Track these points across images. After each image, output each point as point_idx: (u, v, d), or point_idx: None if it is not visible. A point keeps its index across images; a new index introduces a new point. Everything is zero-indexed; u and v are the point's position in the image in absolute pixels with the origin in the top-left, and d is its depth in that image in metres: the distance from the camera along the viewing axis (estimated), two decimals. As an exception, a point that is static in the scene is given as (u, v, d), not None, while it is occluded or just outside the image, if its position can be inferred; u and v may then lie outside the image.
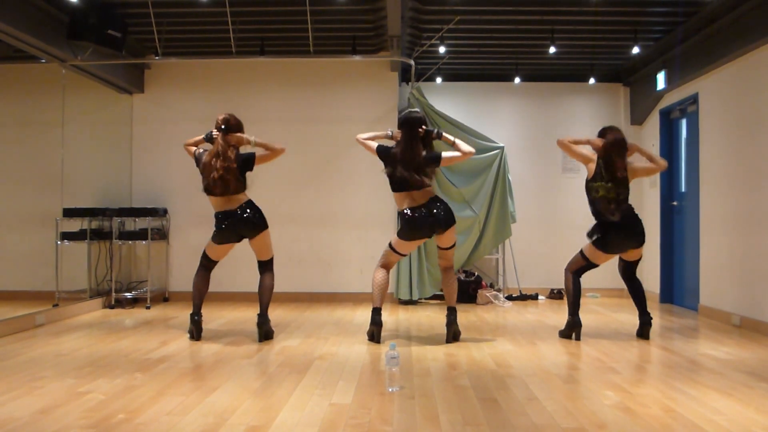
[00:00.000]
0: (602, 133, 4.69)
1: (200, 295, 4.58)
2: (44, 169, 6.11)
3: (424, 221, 4.38)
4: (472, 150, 4.52)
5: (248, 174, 4.49)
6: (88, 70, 6.06)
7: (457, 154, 4.48)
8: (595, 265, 4.71)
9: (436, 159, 4.46)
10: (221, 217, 4.46)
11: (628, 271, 4.77)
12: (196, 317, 4.53)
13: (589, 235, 4.68)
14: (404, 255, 4.66)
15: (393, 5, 5.32)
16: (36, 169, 6.20)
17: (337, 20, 5.99)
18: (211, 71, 6.94)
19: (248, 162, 4.48)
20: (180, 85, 6.94)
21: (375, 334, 4.48)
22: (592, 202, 4.62)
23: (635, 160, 4.70)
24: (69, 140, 5.88)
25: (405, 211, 4.42)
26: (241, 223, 4.44)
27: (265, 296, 4.56)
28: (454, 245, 4.57)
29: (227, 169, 4.33)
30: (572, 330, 4.65)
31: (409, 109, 5.13)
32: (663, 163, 4.67)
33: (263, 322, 4.52)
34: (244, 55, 6.46)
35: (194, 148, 4.60)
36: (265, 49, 6.44)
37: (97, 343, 4.40)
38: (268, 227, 4.56)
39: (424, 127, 4.47)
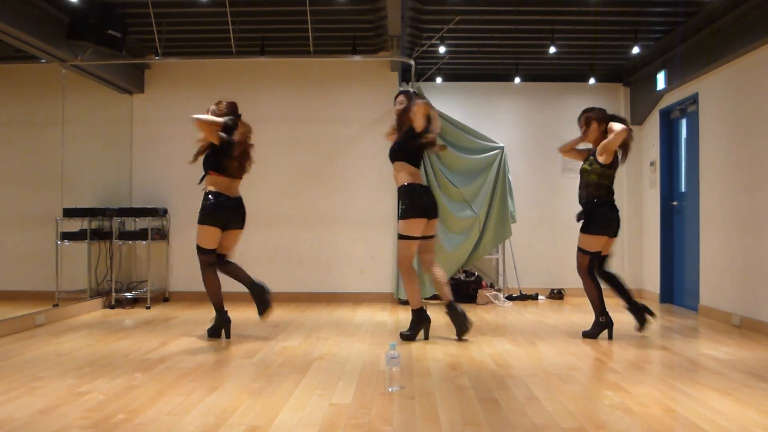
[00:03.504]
0: (588, 120, 4.79)
1: (218, 292, 4.56)
2: (44, 169, 6.11)
3: (431, 198, 4.57)
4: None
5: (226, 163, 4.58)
6: (88, 70, 6.06)
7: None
8: (598, 254, 4.70)
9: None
10: (222, 199, 4.48)
11: (602, 266, 4.77)
12: (227, 315, 4.57)
13: (579, 217, 4.73)
14: (419, 238, 4.49)
15: (393, 5, 5.32)
16: (36, 169, 6.20)
17: (337, 20, 5.99)
18: (212, 71, 6.94)
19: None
20: (180, 85, 6.94)
21: (424, 330, 4.55)
22: (606, 188, 4.69)
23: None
24: (69, 140, 5.88)
25: (410, 183, 4.50)
26: (237, 211, 4.56)
27: (242, 270, 4.57)
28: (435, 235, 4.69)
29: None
30: (602, 330, 4.65)
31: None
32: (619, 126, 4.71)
33: (258, 289, 4.50)
34: (244, 55, 6.46)
35: (216, 128, 4.50)
36: (265, 49, 6.44)
37: (97, 343, 4.40)
38: None
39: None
